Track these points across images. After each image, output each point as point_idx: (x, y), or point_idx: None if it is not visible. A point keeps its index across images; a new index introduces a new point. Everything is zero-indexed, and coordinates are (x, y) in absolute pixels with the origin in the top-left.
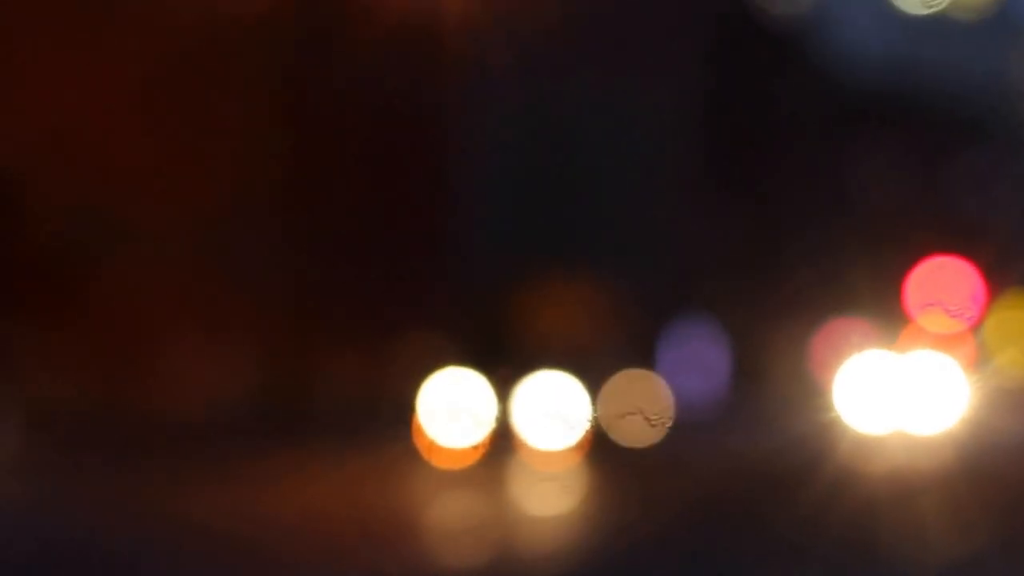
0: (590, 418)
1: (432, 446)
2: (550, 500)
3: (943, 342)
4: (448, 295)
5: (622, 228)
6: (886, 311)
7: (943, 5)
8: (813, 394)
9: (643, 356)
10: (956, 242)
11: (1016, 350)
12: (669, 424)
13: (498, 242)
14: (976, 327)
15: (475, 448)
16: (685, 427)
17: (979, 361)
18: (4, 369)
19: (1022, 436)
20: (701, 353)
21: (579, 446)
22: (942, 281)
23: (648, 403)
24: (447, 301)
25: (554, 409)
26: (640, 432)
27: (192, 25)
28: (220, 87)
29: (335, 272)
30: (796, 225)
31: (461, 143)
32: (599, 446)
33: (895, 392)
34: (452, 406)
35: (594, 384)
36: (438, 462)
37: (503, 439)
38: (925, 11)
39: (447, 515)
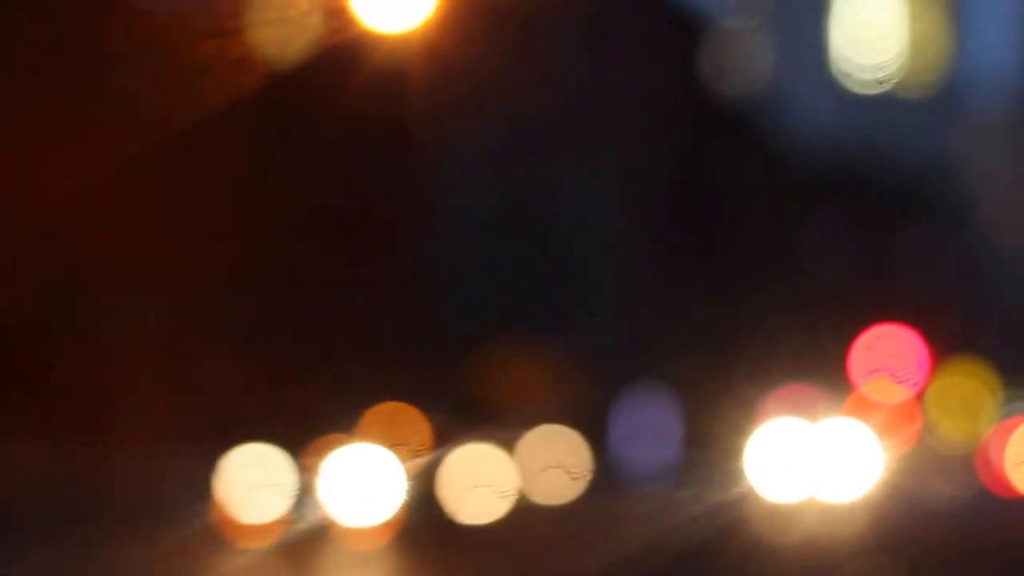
0: (406, 494)
1: (232, 523)
2: None
3: (884, 409)
4: (415, 365)
5: (578, 300)
6: (834, 379)
7: (891, 85)
8: (733, 463)
9: (593, 422)
10: (901, 311)
11: (958, 415)
12: (589, 477)
13: (460, 315)
14: (920, 394)
15: (276, 524)
16: (602, 493)
17: (922, 427)
18: None
19: (937, 502)
20: (650, 421)
21: (392, 523)
22: (888, 349)
23: (568, 457)
24: (414, 371)
25: (367, 484)
26: (561, 487)
27: (164, 109)
28: (189, 167)
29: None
30: (748, 296)
31: (427, 220)
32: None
33: (808, 460)
34: (251, 482)
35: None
36: (239, 540)
37: (311, 515)
38: (873, 91)
39: None
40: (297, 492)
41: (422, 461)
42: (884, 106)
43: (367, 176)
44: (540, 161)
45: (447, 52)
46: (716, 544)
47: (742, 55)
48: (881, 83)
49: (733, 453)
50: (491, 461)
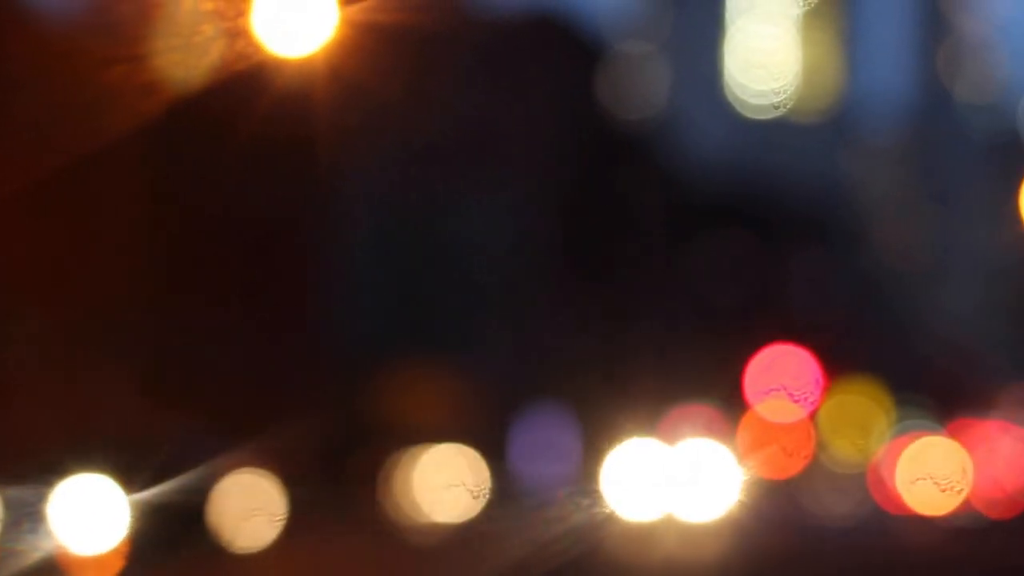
0: (128, 524)
1: None
2: None
3: (778, 428)
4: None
5: (476, 320)
6: (728, 398)
7: (784, 110)
8: (594, 482)
9: (491, 439)
10: (795, 332)
11: (852, 434)
12: (487, 495)
13: (358, 334)
14: (814, 413)
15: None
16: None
17: (816, 445)
18: None
19: (829, 520)
20: (545, 438)
21: (118, 553)
22: (782, 369)
23: (468, 476)
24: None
25: (92, 513)
26: (462, 504)
27: (66, 135)
28: (91, 192)
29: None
30: (643, 317)
31: (326, 242)
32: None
33: (666, 479)
34: None
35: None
36: None
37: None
38: (767, 115)
39: None
40: (26, 520)
41: (193, 486)
42: (777, 130)
43: (269, 199)
44: (439, 184)
45: (349, 76)
46: (575, 565)
47: (638, 80)
48: (774, 108)
49: (596, 472)
50: (263, 487)
